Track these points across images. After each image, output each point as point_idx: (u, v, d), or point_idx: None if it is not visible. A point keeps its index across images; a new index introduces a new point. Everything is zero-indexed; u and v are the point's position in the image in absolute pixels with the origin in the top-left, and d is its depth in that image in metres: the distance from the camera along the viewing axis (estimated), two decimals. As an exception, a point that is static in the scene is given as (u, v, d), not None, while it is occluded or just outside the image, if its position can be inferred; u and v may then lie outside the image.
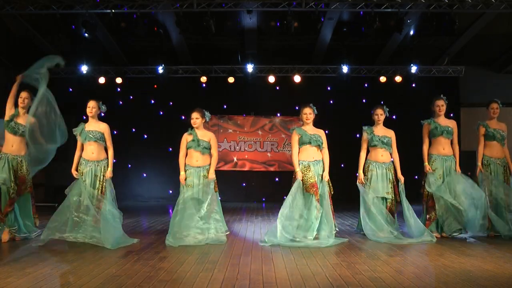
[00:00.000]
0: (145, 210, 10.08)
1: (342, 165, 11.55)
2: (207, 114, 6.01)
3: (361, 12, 9.41)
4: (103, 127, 5.80)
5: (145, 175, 12.64)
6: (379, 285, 3.50)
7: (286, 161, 12.67)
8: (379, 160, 6.00)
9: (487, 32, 10.67)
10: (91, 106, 5.77)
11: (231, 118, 12.82)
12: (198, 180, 5.75)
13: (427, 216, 6.00)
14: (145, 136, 12.66)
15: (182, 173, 5.79)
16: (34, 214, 5.82)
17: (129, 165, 12.46)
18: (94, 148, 5.69)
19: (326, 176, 5.74)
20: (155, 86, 12.42)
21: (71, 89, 11.91)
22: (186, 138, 5.89)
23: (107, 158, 5.82)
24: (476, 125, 6.39)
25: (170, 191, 12.00)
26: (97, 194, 5.58)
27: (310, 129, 5.87)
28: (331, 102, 12.59)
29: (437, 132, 6.01)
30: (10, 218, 5.51)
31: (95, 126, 5.76)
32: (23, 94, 5.72)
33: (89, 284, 3.50)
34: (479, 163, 6.23)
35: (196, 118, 5.87)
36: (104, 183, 5.66)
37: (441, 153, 6.02)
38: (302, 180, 5.68)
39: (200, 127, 5.91)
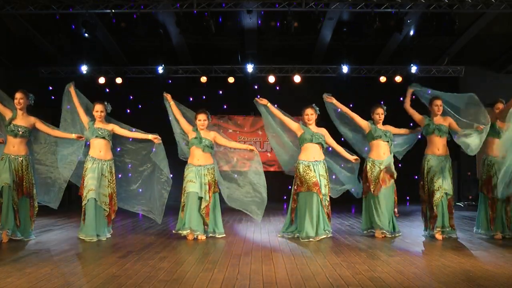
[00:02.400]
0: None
1: (342, 165, 11.53)
2: (209, 116, 6.05)
3: (361, 12, 9.41)
4: (111, 127, 5.94)
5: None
6: (379, 285, 3.50)
7: (286, 161, 12.67)
8: (382, 158, 5.99)
9: (487, 32, 10.66)
10: (99, 110, 5.88)
11: (231, 118, 12.81)
12: (198, 178, 5.76)
13: (432, 214, 5.85)
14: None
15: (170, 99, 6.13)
16: (32, 217, 5.69)
17: (129, 165, 12.44)
18: (101, 146, 5.78)
19: (352, 156, 6.03)
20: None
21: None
22: (190, 132, 5.95)
23: (113, 158, 5.96)
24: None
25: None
26: (109, 192, 5.75)
27: (312, 128, 6.02)
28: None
29: (430, 129, 5.95)
30: (7, 220, 5.42)
31: (102, 125, 5.90)
32: (18, 95, 5.66)
33: (89, 284, 3.50)
34: None
35: (204, 120, 5.92)
36: (113, 183, 5.85)
37: (436, 153, 5.92)
38: (304, 179, 5.81)
39: (204, 128, 5.95)
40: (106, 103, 5.99)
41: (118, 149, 6.18)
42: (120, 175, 6.15)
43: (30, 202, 5.66)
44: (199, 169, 5.82)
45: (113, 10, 8.85)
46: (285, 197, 12.13)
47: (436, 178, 5.82)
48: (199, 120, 5.90)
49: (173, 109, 6.09)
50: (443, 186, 5.80)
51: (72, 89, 6.06)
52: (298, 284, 3.56)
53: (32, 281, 3.56)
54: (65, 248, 5.09)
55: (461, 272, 3.94)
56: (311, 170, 5.77)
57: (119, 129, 5.98)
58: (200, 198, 5.75)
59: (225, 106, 12.81)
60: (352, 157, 6.04)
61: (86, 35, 9.42)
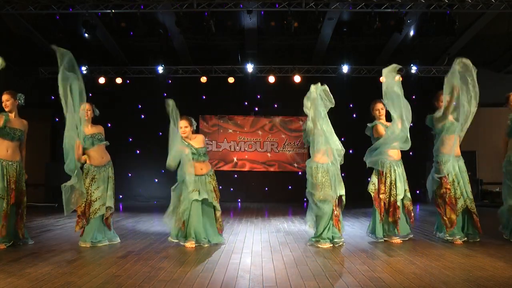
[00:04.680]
0: (145, 210, 10.08)
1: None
2: (194, 122, 5.62)
3: (361, 12, 9.42)
4: (101, 128, 5.66)
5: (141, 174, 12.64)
6: (379, 285, 3.50)
7: (286, 161, 12.68)
8: (396, 158, 5.66)
9: (487, 32, 10.67)
10: (86, 109, 5.48)
11: (231, 118, 12.82)
12: (205, 187, 5.46)
13: (452, 219, 5.56)
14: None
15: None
16: (18, 225, 5.33)
17: (130, 165, 12.46)
18: (102, 151, 5.55)
19: None
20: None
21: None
22: (185, 148, 5.40)
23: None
24: (510, 118, 5.80)
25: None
26: (113, 192, 5.59)
27: None
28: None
29: (452, 127, 5.57)
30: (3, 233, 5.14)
31: (94, 129, 5.58)
32: (4, 97, 5.34)
33: (89, 284, 3.50)
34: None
35: (185, 126, 5.45)
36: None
37: (453, 152, 5.58)
38: (321, 183, 5.38)
39: (189, 136, 5.52)
40: (93, 105, 5.64)
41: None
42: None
43: (17, 211, 5.33)
44: (202, 179, 5.47)
45: (113, 10, 8.86)
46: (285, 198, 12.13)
47: (456, 184, 5.54)
48: (180, 128, 5.37)
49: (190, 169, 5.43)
50: (464, 193, 5.55)
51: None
52: (298, 284, 3.56)
53: (32, 281, 3.56)
54: (65, 248, 5.09)
55: (461, 272, 3.94)
56: (327, 174, 5.39)
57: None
58: (204, 204, 5.44)
59: (225, 106, 12.81)
60: None
61: (86, 35, 9.43)
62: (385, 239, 5.57)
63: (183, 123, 5.42)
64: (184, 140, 5.43)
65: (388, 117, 5.98)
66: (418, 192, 11.45)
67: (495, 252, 4.90)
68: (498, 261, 4.43)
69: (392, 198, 5.54)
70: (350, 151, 12.13)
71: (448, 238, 5.50)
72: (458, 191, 5.52)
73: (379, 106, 5.85)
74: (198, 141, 5.54)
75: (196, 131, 5.80)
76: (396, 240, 5.48)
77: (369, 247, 5.23)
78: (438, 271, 3.98)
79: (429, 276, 3.79)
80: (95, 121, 5.70)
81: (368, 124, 5.91)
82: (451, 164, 5.54)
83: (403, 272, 3.92)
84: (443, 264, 4.26)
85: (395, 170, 5.60)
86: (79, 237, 5.45)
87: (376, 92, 12.08)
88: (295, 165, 12.68)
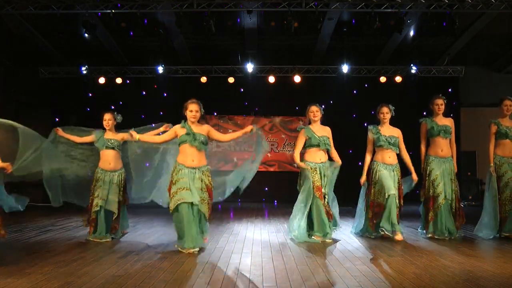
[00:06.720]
0: (145, 210, 10.08)
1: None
2: (201, 107, 5.25)
3: (361, 12, 9.41)
4: (120, 136, 5.82)
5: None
6: (379, 285, 3.50)
7: (286, 161, 12.67)
8: (387, 162, 5.84)
9: (487, 32, 10.67)
10: (107, 119, 5.79)
11: (231, 118, 12.81)
12: (193, 183, 4.92)
13: (428, 217, 5.87)
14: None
15: (137, 135, 5.19)
16: None
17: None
18: (111, 158, 5.72)
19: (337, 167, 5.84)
20: (155, 86, 12.42)
21: (71, 89, 11.92)
22: (176, 130, 5.07)
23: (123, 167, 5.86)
24: (488, 123, 6.08)
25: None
26: (118, 199, 5.70)
27: (318, 129, 5.81)
28: (331, 102, 12.58)
29: (434, 131, 5.89)
30: None
31: (112, 135, 5.81)
32: None
33: (89, 284, 3.50)
34: (492, 163, 5.91)
35: (196, 111, 5.04)
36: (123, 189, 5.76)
37: (439, 154, 5.88)
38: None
39: (195, 122, 5.12)
40: (115, 112, 5.93)
41: (139, 150, 5.81)
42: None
43: None
44: (193, 172, 4.95)
45: (113, 10, 8.85)
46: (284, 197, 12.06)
47: (437, 183, 5.79)
48: (191, 111, 5.01)
49: (146, 139, 5.32)
50: (444, 192, 5.77)
51: (60, 132, 5.76)
52: (298, 284, 3.56)
53: (32, 281, 3.56)
54: (65, 248, 5.09)
55: (461, 272, 3.94)
56: (317, 173, 5.67)
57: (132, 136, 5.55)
58: (196, 206, 4.90)
59: (225, 106, 12.80)
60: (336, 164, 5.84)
61: (86, 35, 9.43)
62: None
63: (194, 106, 5.04)
64: (186, 124, 5.07)
65: (392, 121, 6.05)
66: (417, 192, 11.45)
67: (495, 252, 4.90)
68: (498, 261, 4.44)
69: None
70: (350, 151, 12.17)
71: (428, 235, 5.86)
72: (438, 189, 5.79)
73: (384, 110, 6.02)
74: (200, 128, 5.08)
75: None
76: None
77: (369, 247, 5.23)
78: (438, 271, 3.98)
79: (429, 276, 3.79)
80: (120, 127, 5.96)
81: (369, 126, 6.05)
82: (435, 164, 5.87)
83: (403, 272, 3.92)
84: (443, 264, 4.27)
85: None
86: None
87: (376, 92, 12.15)
88: (295, 165, 12.68)
